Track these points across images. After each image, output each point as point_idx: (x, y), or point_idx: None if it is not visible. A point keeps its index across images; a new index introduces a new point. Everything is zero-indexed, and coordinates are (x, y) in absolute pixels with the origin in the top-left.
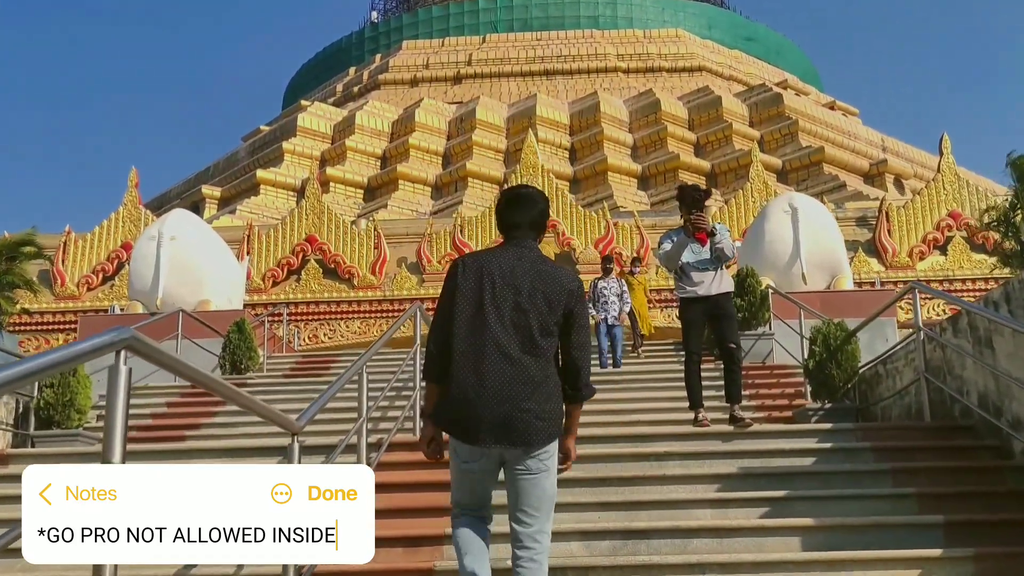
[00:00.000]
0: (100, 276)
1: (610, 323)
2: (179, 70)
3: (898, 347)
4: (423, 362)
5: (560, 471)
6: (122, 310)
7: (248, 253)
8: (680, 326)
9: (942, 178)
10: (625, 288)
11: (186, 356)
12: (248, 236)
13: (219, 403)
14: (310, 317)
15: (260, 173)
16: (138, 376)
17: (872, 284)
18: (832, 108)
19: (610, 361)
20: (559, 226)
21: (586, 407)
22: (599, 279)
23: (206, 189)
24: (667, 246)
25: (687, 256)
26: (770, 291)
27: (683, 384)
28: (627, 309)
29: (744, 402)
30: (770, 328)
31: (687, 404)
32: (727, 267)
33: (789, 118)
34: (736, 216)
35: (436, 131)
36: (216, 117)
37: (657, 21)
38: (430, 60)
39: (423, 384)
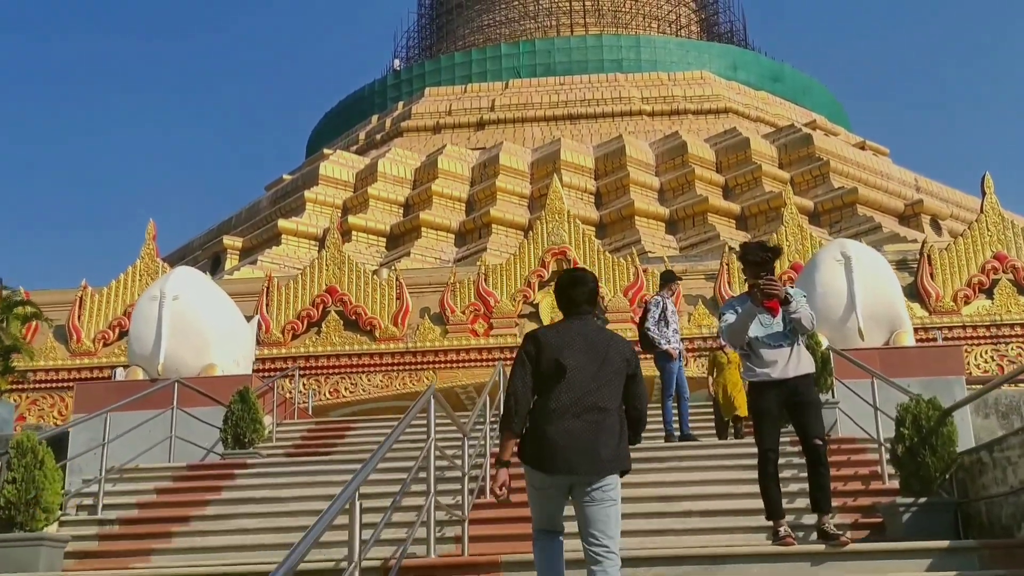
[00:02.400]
0: (116, 331)
1: (677, 365)
2: (203, 121)
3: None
4: (502, 414)
5: None
6: (125, 374)
7: (267, 305)
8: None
9: (985, 219)
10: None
11: (184, 431)
12: (267, 288)
13: (214, 490)
14: (331, 371)
15: (281, 223)
16: (124, 453)
17: (933, 339)
18: (863, 148)
19: (676, 426)
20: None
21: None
22: (665, 296)
23: (227, 240)
24: (730, 318)
25: (755, 330)
26: (831, 352)
27: (737, 464)
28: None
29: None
30: (833, 395)
31: (753, 498)
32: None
33: (820, 159)
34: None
35: (459, 177)
36: (241, 168)
37: (681, 63)
38: (453, 106)
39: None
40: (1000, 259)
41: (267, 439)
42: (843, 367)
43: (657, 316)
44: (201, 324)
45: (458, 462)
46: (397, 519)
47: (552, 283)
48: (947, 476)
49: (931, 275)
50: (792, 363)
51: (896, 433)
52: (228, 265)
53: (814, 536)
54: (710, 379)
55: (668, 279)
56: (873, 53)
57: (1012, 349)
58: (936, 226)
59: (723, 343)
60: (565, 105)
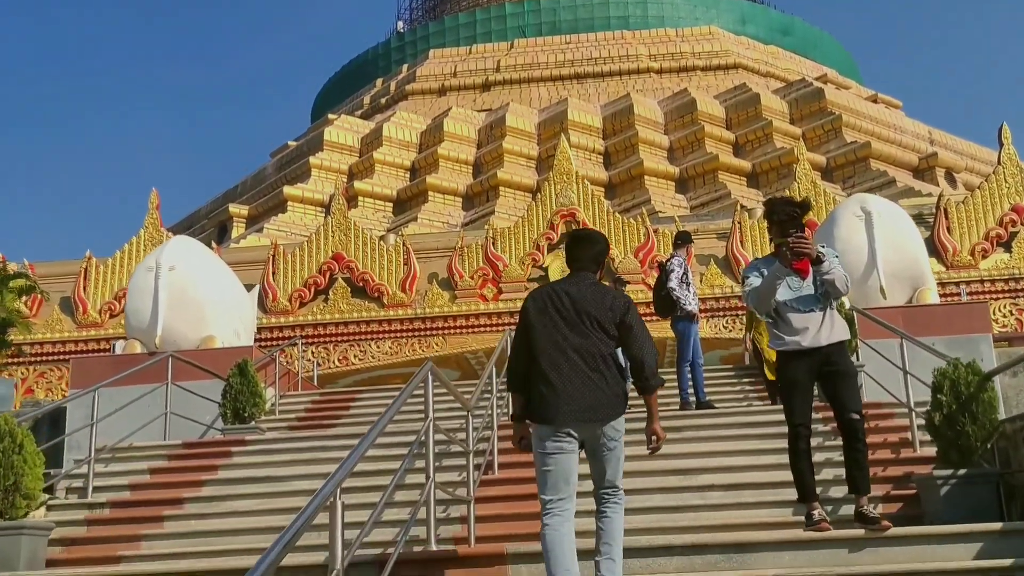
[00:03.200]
0: (122, 303)
1: (696, 328)
2: (207, 89)
3: None
4: (507, 373)
5: (653, 451)
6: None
7: (274, 273)
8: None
9: (1003, 170)
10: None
11: (181, 407)
12: (273, 256)
13: (210, 469)
14: (339, 339)
15: (287, 189)
16: (121, 430)
17: (956, 295)
18: (875, 101)
19: (691, 393)
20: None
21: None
22: (678, 257)
23: (233, 208)
24: (755, 282)
25: (784, 294)
26: (855, 313)
27: (761, 433)
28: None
29: (839, 455)
30: (858, 358)
31: (773, 468)
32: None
33: (832, 113)
34: None
35: (465, 140)
36: (247, 135)
37: (689, 19)
38: (458, 68)
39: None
40: (1018, 211)
41: (269, 412)
42: (866, 327)
43: (680, 276)
44: (199, 295)
45: (461, 436)
46: (400, 498)
47: (561, 245)
48: (988, 445)
49: (948, 229)
50: (825, 329)
51: (933, 400)
52: (235, 233)
53: (846, 517)
54: (747, 336)
55: (684, 240)
56: (884, 3)
57: None
58: (951, 179)
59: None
60: (571, 64)
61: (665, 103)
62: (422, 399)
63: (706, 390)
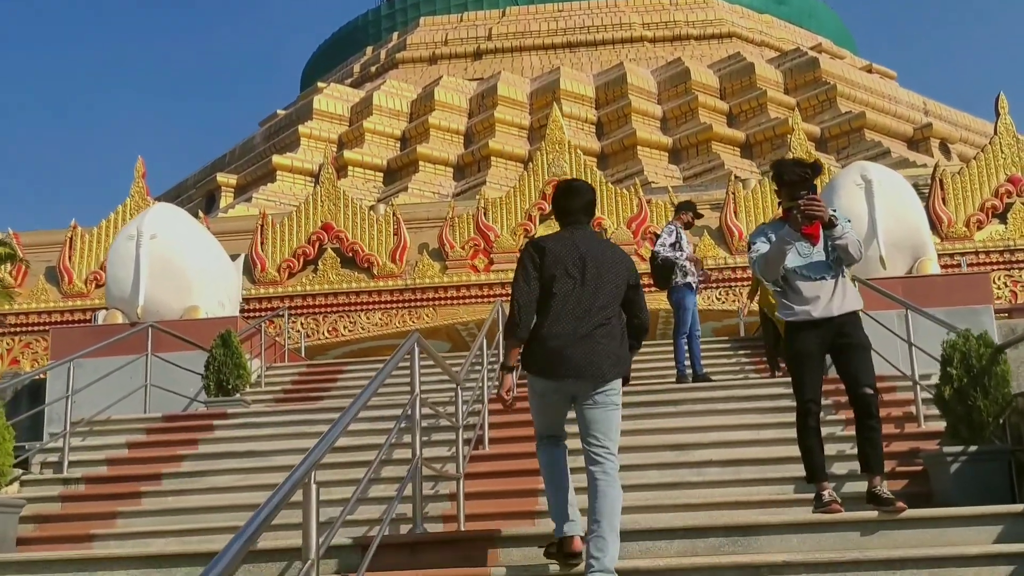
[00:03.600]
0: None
1: (694, 300)
2: (196, 57)
3: None
4: (507, 321)
5: None
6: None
7: (262, 244)
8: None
9: (999, 140)
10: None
11: (163, 379)
12: (262, 225)
13: (190, 443)
14: (329, 310)
15: (276, 159)
16: (102, 403)
17: (956, 265)
18: (869, 71)
19: (688, 366)
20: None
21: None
22: (677, 225)
23: (221, 177)
24: (763, 247)
25: (793, 260)
26: (855, 282)
27: (760, 407)
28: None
29: (842, 429)
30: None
31: (784, 454)
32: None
33: (826, 83)
34: None
35: (457, 109)
36: (236, 104)
37: None
38: (449, 36)
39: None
40: (1014, 182)
41: (255, 385)
42: (867, 298)
43: (670, 242)
44: (182, 264)
45: (450, 410)
46: (387, 474)
47: (552, 216)
48: (1000, 421)
49: (943, 200)
50: (837, 298)
51: (942, 373)
52: (223, 203)
53: (853, 498)
54: (748, 302)
55: (684, 208)
56: None
57: None
58: (945, 150)
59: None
60: (564, 32)
61: (658, 72)
62: (408, 372)
63: (703, 362)
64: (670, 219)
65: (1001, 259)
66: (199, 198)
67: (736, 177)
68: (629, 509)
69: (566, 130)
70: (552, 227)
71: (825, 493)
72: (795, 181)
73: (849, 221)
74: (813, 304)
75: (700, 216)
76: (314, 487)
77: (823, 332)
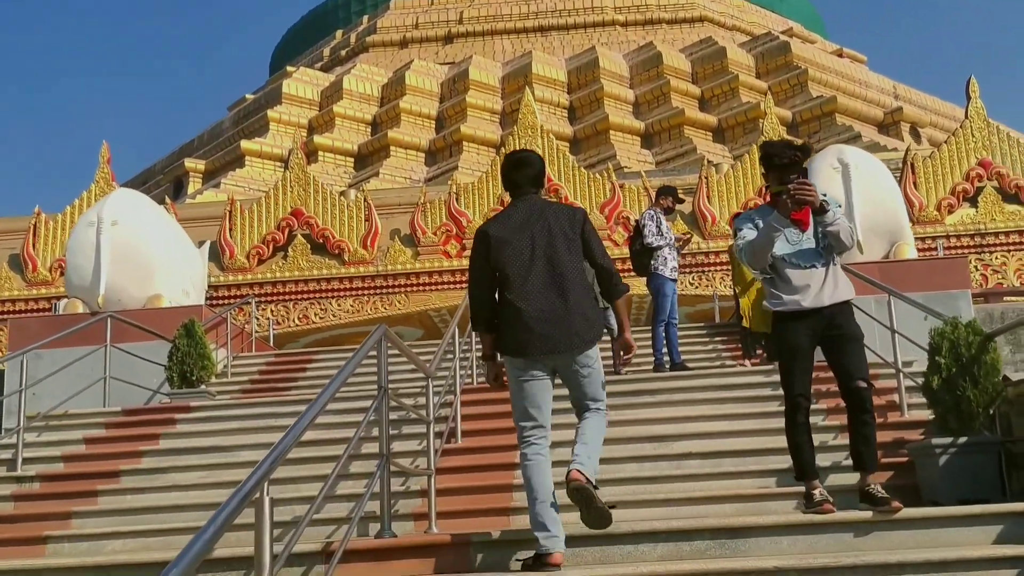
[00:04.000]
0: None
1: (674, 287)
2: (162, 41)
3: None
4: (471, 316)
5: (627, 360)
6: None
7: (231, 230)
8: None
9: (970, 124)
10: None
11: (123, 371)
12: (230, 211)
13: (150, 438)
14: (299, 297)
15: (244, 144)
16: (63, 395)
17: (933, 249)
18: (840, 56)
19: (666, 356)
20: (561, 190)
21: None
22: (657, 211)
23: (189, 163)
24: (749, 234)
25: (781, 248)
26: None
27: (739, 396)
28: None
29: (823, 419)
30: None
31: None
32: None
33: (798, 67)
34: (751, 175)
35: (428, 94)
36: (205, 89)
37: None
38: (419, 20)
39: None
40: (985, 166)
41: (221, 375)
42: (880, 276)
43: (655, 229)
44: (144, 251)
45: (422, 401)
46: (356, 469)
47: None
48: (991, 411)
49: (914, 184)
50: (828, 287)
51: (930, 363)
52: (191, 189)
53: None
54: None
55: (663, 192)
56: None
57: (996, 258)
58: (916, 135)
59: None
60: (536, 16)
61: (630, 56)
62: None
63: (679, 350)
64: (649, 205)
65: (972, 243)
66: (167, 184)
67: (709, 162)
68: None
69: (538, 115)
70: None
71: (816, 492)
72: (784, 164)
73: (840, 207)
74: (803, 293)
75: (681, 201)
76: (267, 501)
77: (813, 323)
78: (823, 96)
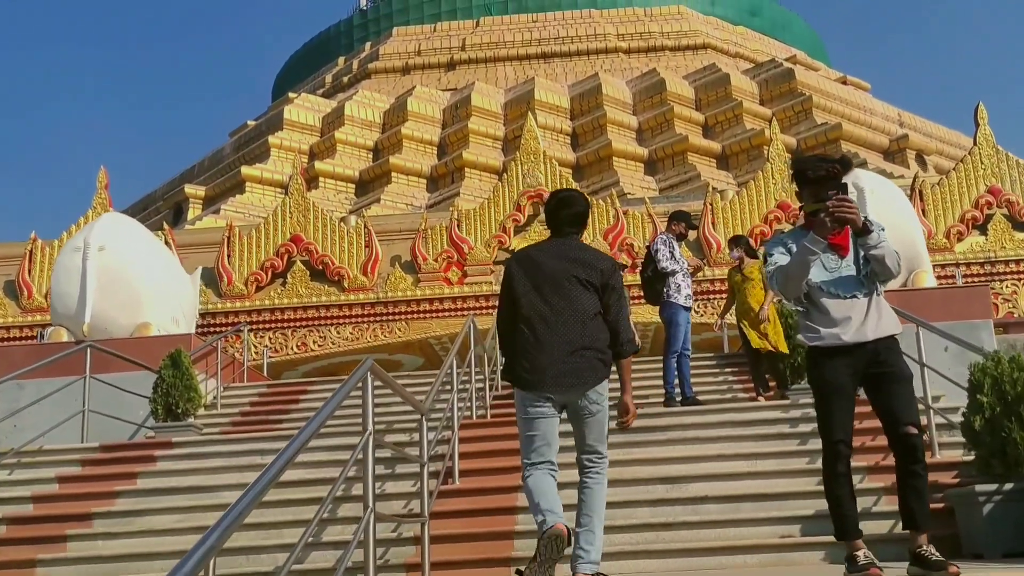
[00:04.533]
0: None
1: (687, 316)
2: (166, 69)
3: None
4: (499, 339)
5: (623, 424)
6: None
7: (229, 256)
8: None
9: (979, 151)
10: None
11: (108, 402)
12: (228, 237)
13: (127, 477)
14: (298, 324)
15: (245, 170)
16: (43, 427)
17: (952, 278)
18: (844, 83)
19: (677, 390)
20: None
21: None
22: (670, 237)
23: (189, 188)
24: (781, 259)
25: (818, 275)
26: None
27: (756, 434)
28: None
29: (860, 481)
30: None
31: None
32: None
33: (802, 94)
34: (756, 201)
35: (430, 120)
36: (208, 117)
37: None
38: (422, 46)
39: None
40: (994, 193)
41: (210, 407)
42: (899, 305)
43: (669, 254)
44: (132, 277)
45: (416, 437)
46: (345, 512)
47: (528, 228)
48: None
49: (923, 211)
50: (871, 320)
51: (971, 401)
52: (190, 215)
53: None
54: (720, 320)
55: (676, 218)
56: None
57: (1007, 287)
58: (922, 162)
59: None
60: (538, 43)
61: (634, 83)
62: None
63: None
64: (654, 232)
65: (982, 271)
66: (166, 210)
67: (713, 188)
68: (618, 555)
69: (541, 141)
70: (528, 238)
71: (860, 554)
72: (820, 177)
73: (884, 229)
74: (843, 326)
75: (695, 227)
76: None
77: (855, 360)
78: (828, 123)
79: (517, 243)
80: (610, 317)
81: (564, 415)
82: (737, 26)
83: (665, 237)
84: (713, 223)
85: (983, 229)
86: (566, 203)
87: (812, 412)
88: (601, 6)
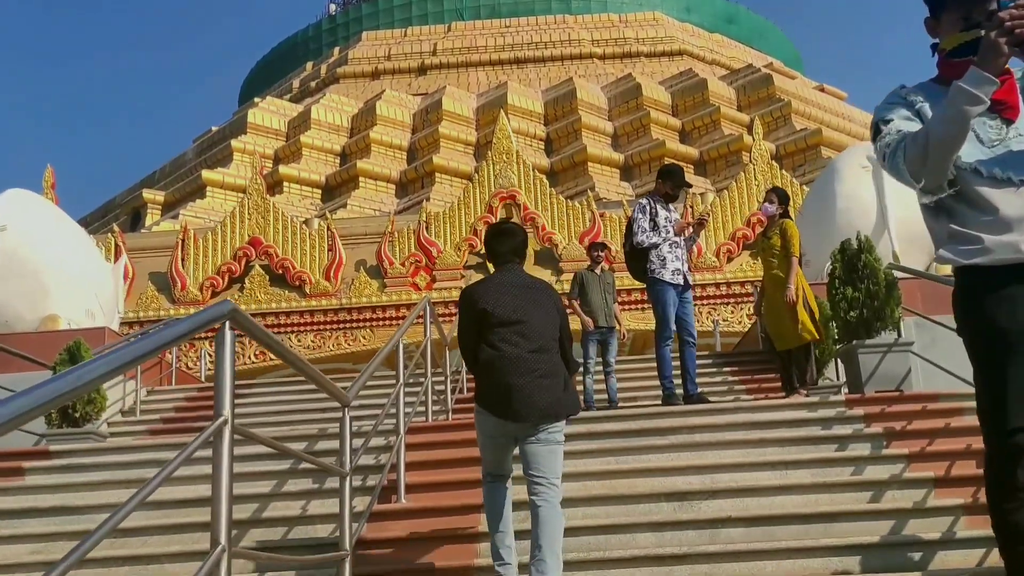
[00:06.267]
0: None
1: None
2: (135, 75)
3: None
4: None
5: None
6: None
7: (183, 260)
8: None
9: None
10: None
11: None
12: (183, 240)
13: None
14: None
15: (206, 174)
16: None
17: None
18: (822, 91)
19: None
20: (539, 219)
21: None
22: (654, 199)
23: (147, 194)
24: (904, 123)
25: (970, 152)
26: (895, 274)
27: (782, 437)
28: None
29: (903, 470)
30: (900, 334)
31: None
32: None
33: (780, 100)
34: (739, 203)
35: (400, 124)
36: (172, 123)
37: (632, 4)
38: (392, 51)
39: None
40: None
41: (128, 412)
42: (932, 297)
43: (645, 225)
44: (38, 263)
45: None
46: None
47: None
48: None
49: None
50: None
51: None
52: (148, 221)
53: None
54: (756, 317)
55: (662, 175)
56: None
57: None
58: None
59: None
60: (511, 48)
61: (609, 88)
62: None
63: (697, 379)
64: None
65: None
66: (124, 216)
67: (692, 193)
68: None
69: (514, 141)
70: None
71: None
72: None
73: None
74: (1020, 230)
75: (688, 186)
76: None
77: None
78: (807, 129)
79: None
80: (565, 358)
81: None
82: (713, 33)
83: (645, 202)
84: None
85: None
86: (506, 234)
87: (847, 411)
88: (576, 12)
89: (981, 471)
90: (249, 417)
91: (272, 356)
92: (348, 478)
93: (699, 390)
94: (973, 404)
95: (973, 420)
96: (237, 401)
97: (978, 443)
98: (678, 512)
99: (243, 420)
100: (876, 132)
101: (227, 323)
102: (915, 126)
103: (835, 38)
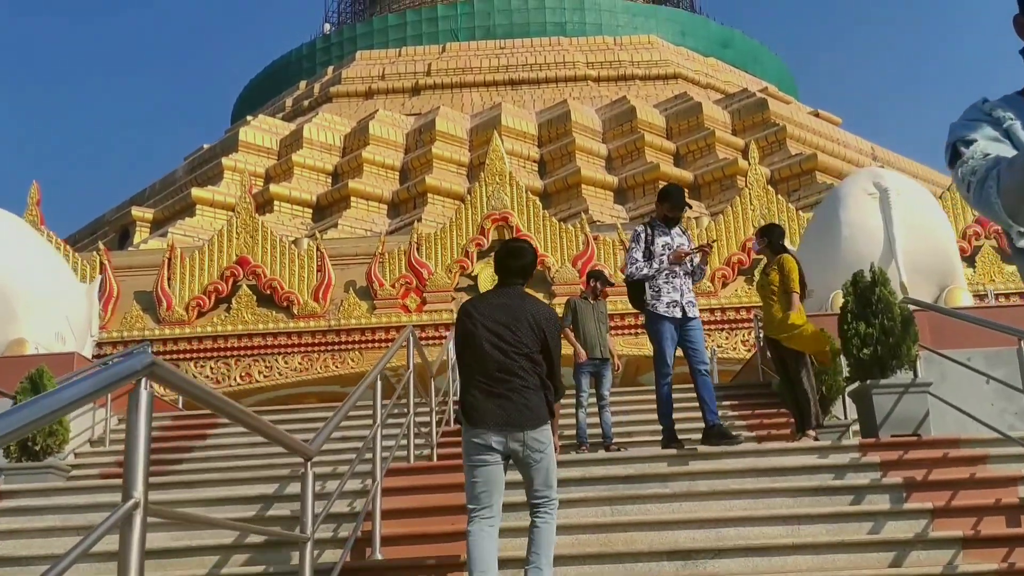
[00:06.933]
0: None
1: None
2: (127, 97)
3: None
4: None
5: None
6: None
7: (169, 279)
8: None
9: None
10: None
11: None
12: (169, 259)
13: None
14: (242, 353)
15: (195, 192)
16: None
17: (983, 297)
18: (816, 116)
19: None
20: (531, 242)
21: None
22: (655, 221)
23: (136, 211)
24: (990, 145)
25: None
26: (910, 307)
27: (795, 486)
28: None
29: (927, 527)
30: (916, 374)
31: None
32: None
33: (775, 124)
34: (734, 228)
35: (393, 144)
36: (164, 142)
37: (628, 27)
38: (386, 71)
39: None
40: (982, 224)
41: (97, 442)
42: (941, 331)
43: (637, 255)
44: (3, 284)
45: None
46: None
47: (493, 252)
48: None
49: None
50: None
51: None
52: (137, 239)
53: None
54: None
55: (661, 197)
56: (826, 22)
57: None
58: None
59: None
60: (506, 70)
61: (603, 111)
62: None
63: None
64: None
65: (974, 303)
66: (113, 234)
67: (687, 216)
68: None
69: (507, 162)
70: (491, 263)
71: None
72: None
73: None
74: None
75: (688, 207)
76: None
77: None
78: (802, 154)
79: (480, 268)
80: (551, 379)
81: (511, 462)
82: (708, 57)
83: (640, 230)
84: None
85: (971, 261)
86: (516, 253)
87: (861, 457)
88: (570, 34)
89: (1013, 530)
90: (198, 472)
91: (255, 379)
92: (309, 544)
93: (719, 419)
94: (999, 451)
95: (1000, 470)
96: (210, 432)
97: (1008, 497)
98: (681, 572)
99: (190, 475)
100: (955, 155)
101: (143, 380)
102: (1006, 149)
103: (830, 63)
